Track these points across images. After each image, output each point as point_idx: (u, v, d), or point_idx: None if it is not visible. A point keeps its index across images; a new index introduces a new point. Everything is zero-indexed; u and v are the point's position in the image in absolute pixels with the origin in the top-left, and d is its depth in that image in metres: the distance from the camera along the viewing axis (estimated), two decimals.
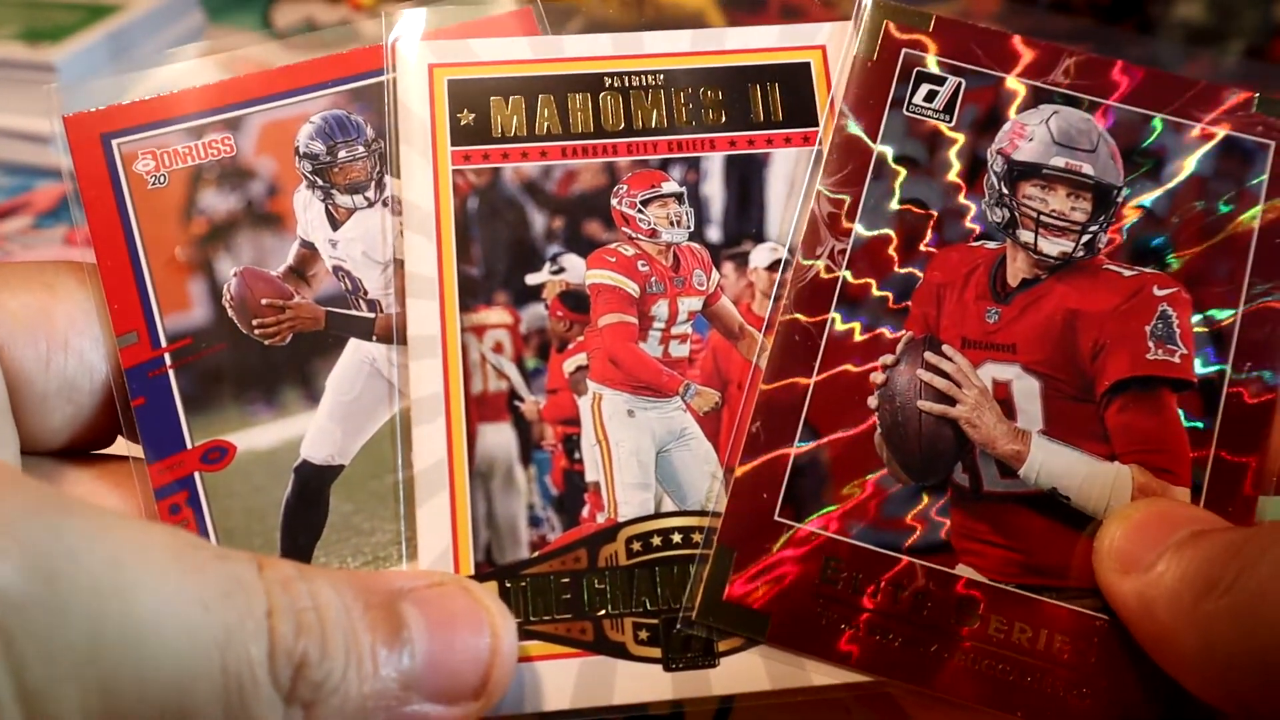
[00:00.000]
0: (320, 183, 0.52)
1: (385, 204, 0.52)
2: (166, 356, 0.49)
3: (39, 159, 1.05)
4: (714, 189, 0.52)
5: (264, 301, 0.50)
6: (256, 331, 0.50)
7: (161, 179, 0.51)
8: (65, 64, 1.03)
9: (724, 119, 0.53)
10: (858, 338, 0.49)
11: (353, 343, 0.50)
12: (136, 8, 1.15)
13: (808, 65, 0.53)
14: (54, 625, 0.30)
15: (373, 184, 0.52)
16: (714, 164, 0.52)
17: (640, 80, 0.53)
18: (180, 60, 0.52)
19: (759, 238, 0.52)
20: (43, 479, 0.46)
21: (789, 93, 0.53)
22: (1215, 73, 0.54)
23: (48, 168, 1.03)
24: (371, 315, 0.51)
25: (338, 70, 0.52)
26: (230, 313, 0.50)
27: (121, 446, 0.51)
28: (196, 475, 0.48)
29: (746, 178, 0.52)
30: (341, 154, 0.52)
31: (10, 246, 0.95)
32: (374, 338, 0.50)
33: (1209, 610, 0.39)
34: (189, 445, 0.48)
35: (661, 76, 0.53)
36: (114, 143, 0.50)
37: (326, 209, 0.52)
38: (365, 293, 0.51)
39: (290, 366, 0.50)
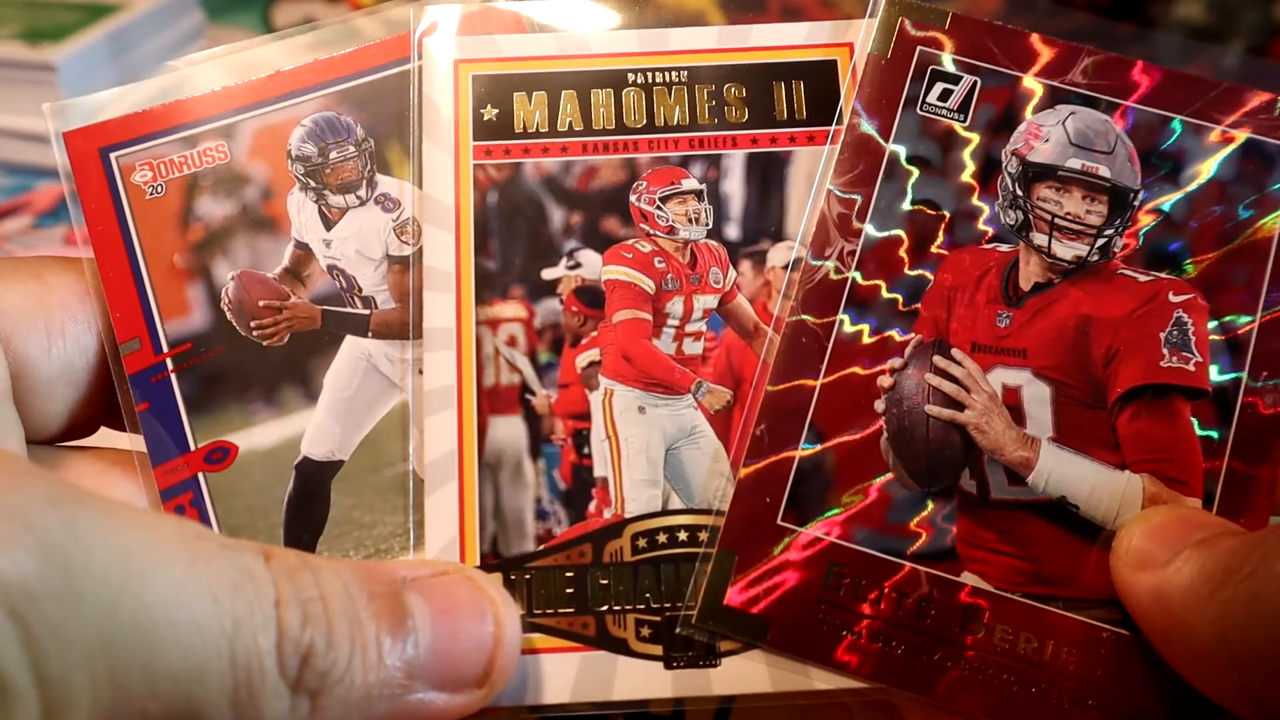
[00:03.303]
0: (313, 184, 0.45)
1: (377, 201, 0.45)
2: (168, 361, 0.43)
3: (39, 159, 0.93)
4: (734, 186, 0.44)
5: (261, 303, 0.44)
6: (255, 333, 0.44)
7: (159, 189, 0.44)
8: (65, 64, 0.93)
9: (746, 116, 0.44)
10: (866, 340, 0.42)
11: (349, 339, 0.44)
12: (136, 8, 1.03)
13: (834, 63, 0.45)
14: (68, 616, 0.26)
15: (364, 182, 0.45)
16: (735, 162, 0.44)
17: (664, 77, 0.45)
18: (178, 70, 0.46)
19: (778, 236, 0.44)
20: (47, 466, 0.41)
21: (814, 90, 0.44)
22: (1216, 72, 0.45)
23: (48, 168, 0.91)
24: (366, 312, 0.44)
25: (327, 73, 0.46)
26: (229, 315, 0.44)
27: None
28: (200, 476, 0.42)
29: (767, 176, 0.44)
30: (333, 155, 0.45)
31: (10, 246, 0.87)
32: (369, 333, 0.44)
33: (1225, 598, 0.32)
34: (192, 447, 0.42)
35: (685, 73, 0.45)
36: (112, 156, 0.44)
37: (319, 209, 0.45)
38: (360, 290, 0.45)
39: (288, 366, 0.43)
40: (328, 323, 0.44)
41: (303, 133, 0.45)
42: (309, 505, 0.42)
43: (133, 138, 0.44)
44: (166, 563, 0.28)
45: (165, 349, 0.43)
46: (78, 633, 0.26)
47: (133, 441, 0.42)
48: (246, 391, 0.43)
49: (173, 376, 0.43)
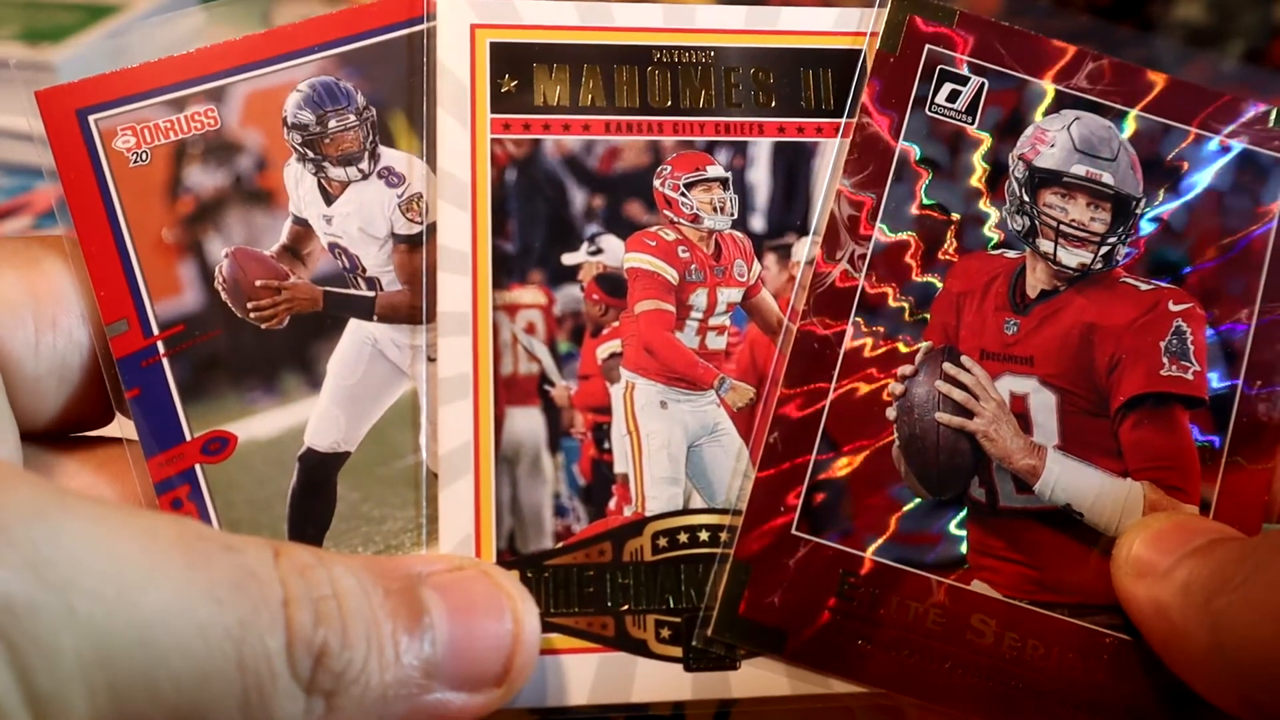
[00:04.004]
0: (311, 155, 0.41)
1: (380, 175, 0.41)
2: (159, 344, 0.38)
3: (40, 159, 0.87)
4: (760, 176, 0.42)
5: (258, 283, 0.40)
6: (252, 315, 0.39)
7: (143, 156, 0.39)
8: (65, 64, 0.86)
9: (774, 103, 0.42)
10: (876, 347, 0.40)
11: (353, 323, 0.40)
12: (136, 8, 0.96)
13: (860, 53, 0.42)
14: (59, 631, 0.25)
15: (366, 155, 0.41)
16: (761, 150, 0.42)
17: (690, 56, 0.41)
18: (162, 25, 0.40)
19: (803, 230, 0.41)
20: (39, 469, 0.37)
21: (841, 80, 0.42)
22: (1214, 76, 0.44)
23: (48, 168, 0.86)
24: (371, 294, 0.40)
25: (323, 33, 0.41)
26: (223, 296, 0.39)
27: (118, 428, 0.40)
28: (197, 468, 0.38)
29: (794, 167, 0.42)
30: (332, 123, 0.40)
31: None
32: (375, 317, 0.40)
33: (1221, 605, 0.32)
34: (188, 437, 0.38)
35: (712, 53, 0.42)
36: (91, 119, 0.39)
37: (319, 183, 0.41)
38: (364, 270, 0.41)
39: (289, 351, 0.39)
40: (330, 305, 0.40)
41: (299, 98, 0.40)
42: (314, 499, 0.38)
43: (114, 99, 0.39)
44: (163, 567, 0.26)
45: (155, 331, 0.38)
46: (70, 647, 0.25)
47: (124, 430, 0.38)
48: (245, 378, 0.39)
49: (164, 361, 0.38)
